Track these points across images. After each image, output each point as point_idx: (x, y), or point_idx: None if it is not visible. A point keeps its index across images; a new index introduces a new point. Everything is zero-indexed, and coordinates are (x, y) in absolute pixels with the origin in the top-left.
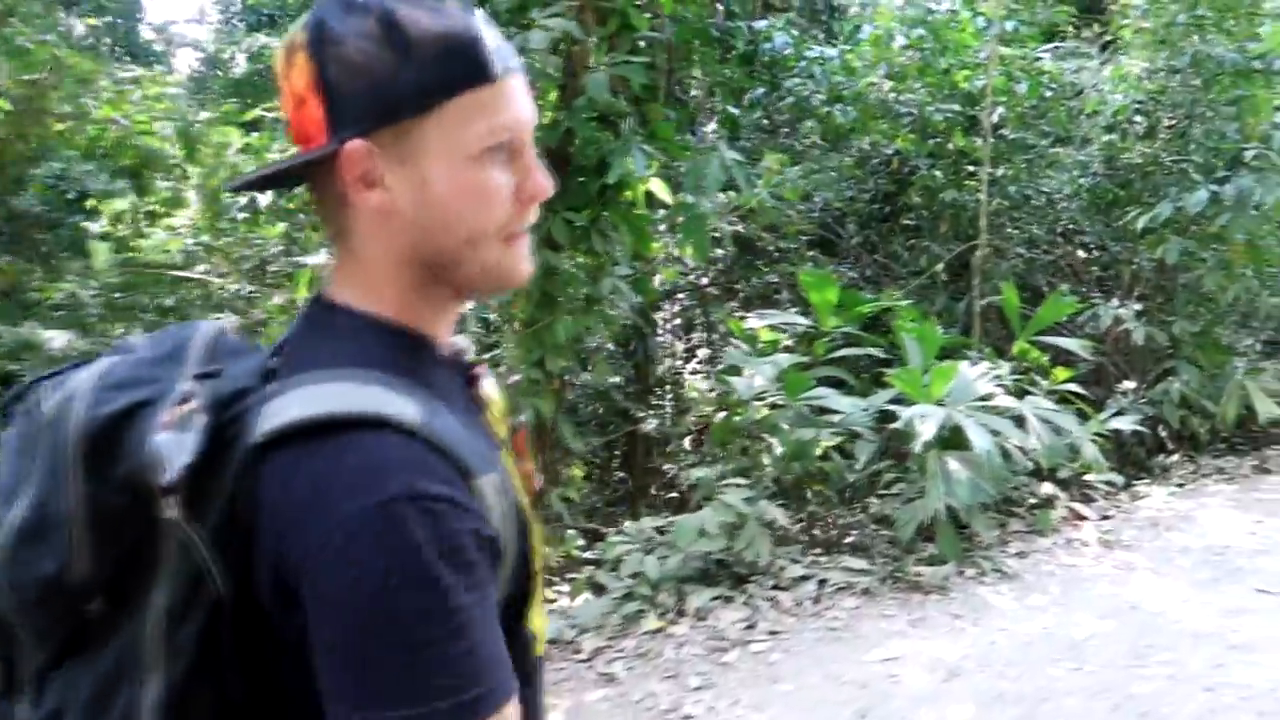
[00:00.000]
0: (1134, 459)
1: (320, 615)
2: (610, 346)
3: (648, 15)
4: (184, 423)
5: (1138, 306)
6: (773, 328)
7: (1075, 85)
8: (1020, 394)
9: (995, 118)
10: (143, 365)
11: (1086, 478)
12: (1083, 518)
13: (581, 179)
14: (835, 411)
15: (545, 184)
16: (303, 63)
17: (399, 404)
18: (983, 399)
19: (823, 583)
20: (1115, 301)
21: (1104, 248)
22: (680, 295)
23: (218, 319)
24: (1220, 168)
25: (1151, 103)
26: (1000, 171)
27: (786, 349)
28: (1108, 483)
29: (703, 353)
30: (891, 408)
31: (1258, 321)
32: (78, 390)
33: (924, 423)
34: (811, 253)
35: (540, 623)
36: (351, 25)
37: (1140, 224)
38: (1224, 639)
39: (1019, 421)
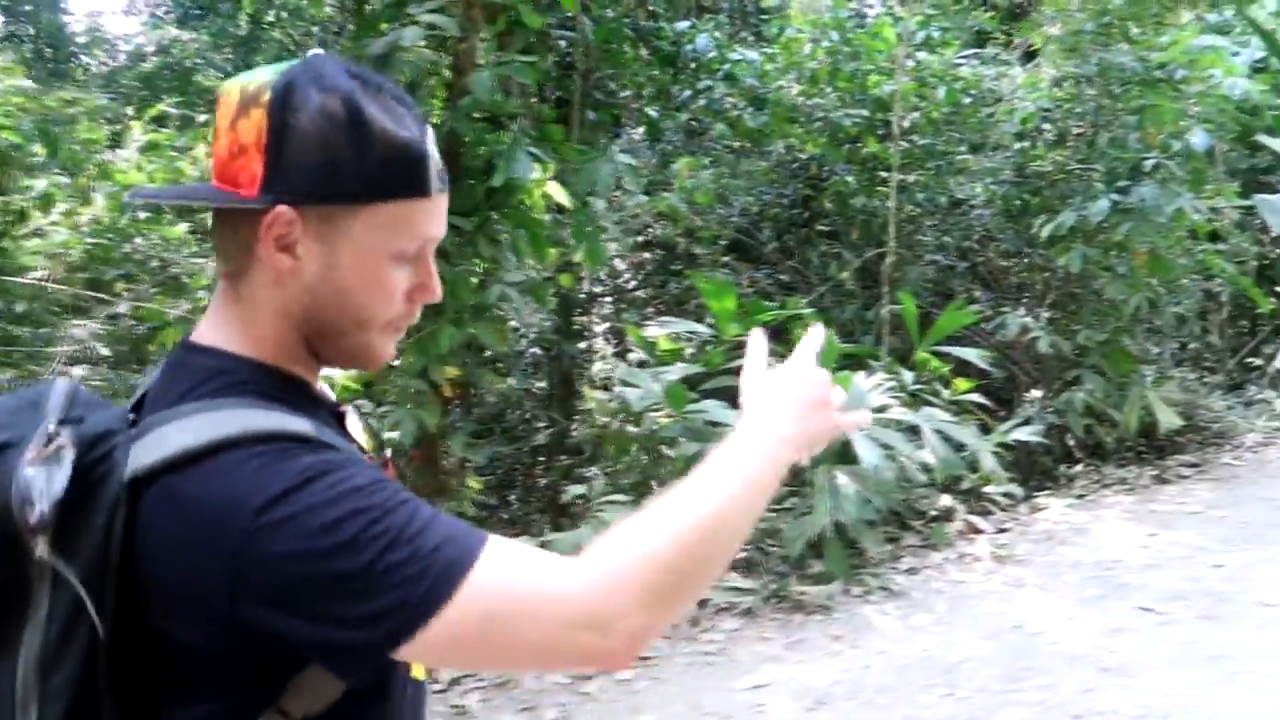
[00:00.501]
0: (1041, 468)
1: (294, 572)
2: (538, 352)
3: (554, 14)
4: (51, 459)
5: (1049, 314)
6: (673, 336)
7: (995, 92)
8: (919, 405)
9: (907, 123)
10: (8, 410)
11: (986, 490)
12: (979, 531)
13: (471, 182)
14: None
15: (437, 290)
16: (258, 119)
17: (291, 422)
18: (877, 411)
19: (704, 603)
20: (1022, 310)
21: (1019, 255)
22: (608, 300)
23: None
24: (1124, 177)
25: (1059, 111)
26: (913, 178)
27: (696, 357)
28: (1006, 495)
29: (612, 361)
30: None
31: (1166, 330)
32: None
33: None
34: (727, 258)
35: None
36: (318, 101)
37: (1045, 232)
38: (1099, 661)
39: (913, 434)
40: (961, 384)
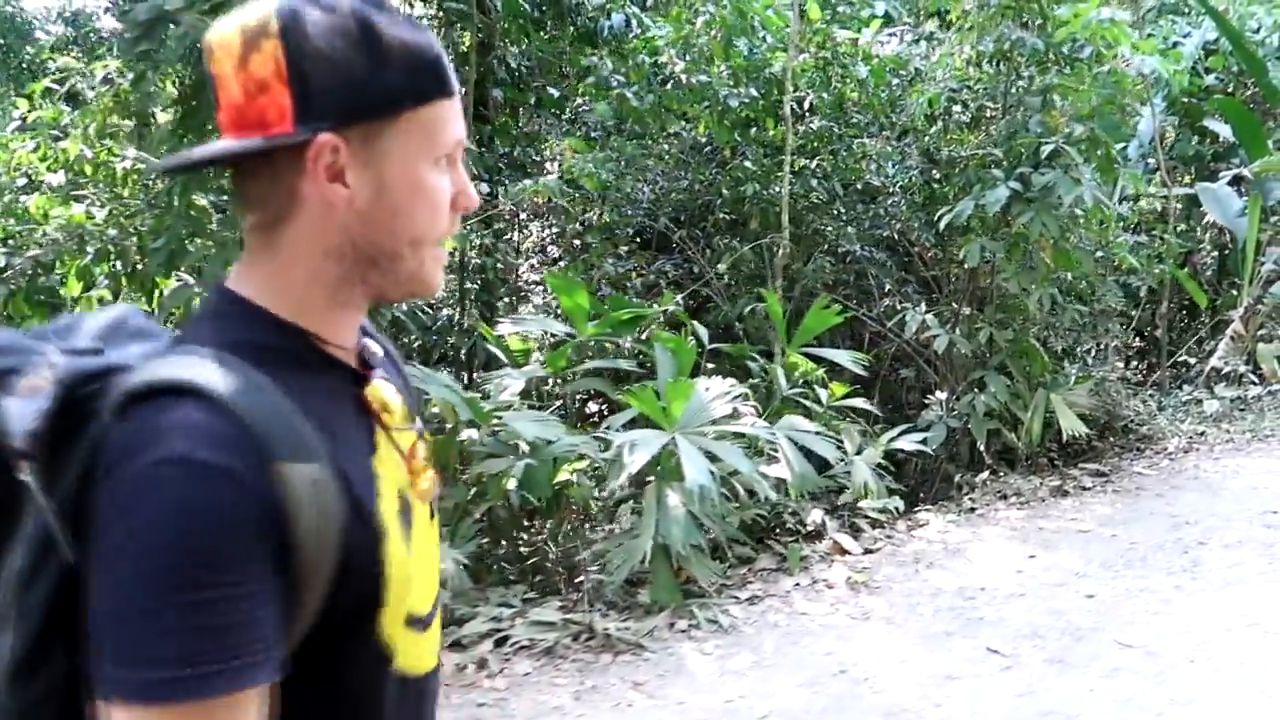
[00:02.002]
0: (944, 475)
1: (93, 564)
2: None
3: None
4: (34, 392)
5: (967, 310)
6: (523, 337)
7: (924, 72)
8: (792, 412)
9: (807, 105)
10: (21, 337)
11: (863, 505)
12: (846, 552)
13: None
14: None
15: (475, 197)
16: (272, 49)
17: (216, 378)
18: (724, 420)
19: (502, 640)
20: (923, 306)
21: (931, 247)
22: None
23: None
24: (1025, 163)
25: (968, 91)
26: (814, 163)
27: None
28: (883, 510)
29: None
30: (627, 435)
31: (1085, 327)
32: None
33: (635, 452)
34: (626, 248)
35: (412, 640)
36: (327, 21)
37: (943, 223)
38: (919, 716)
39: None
40: (838, 388)
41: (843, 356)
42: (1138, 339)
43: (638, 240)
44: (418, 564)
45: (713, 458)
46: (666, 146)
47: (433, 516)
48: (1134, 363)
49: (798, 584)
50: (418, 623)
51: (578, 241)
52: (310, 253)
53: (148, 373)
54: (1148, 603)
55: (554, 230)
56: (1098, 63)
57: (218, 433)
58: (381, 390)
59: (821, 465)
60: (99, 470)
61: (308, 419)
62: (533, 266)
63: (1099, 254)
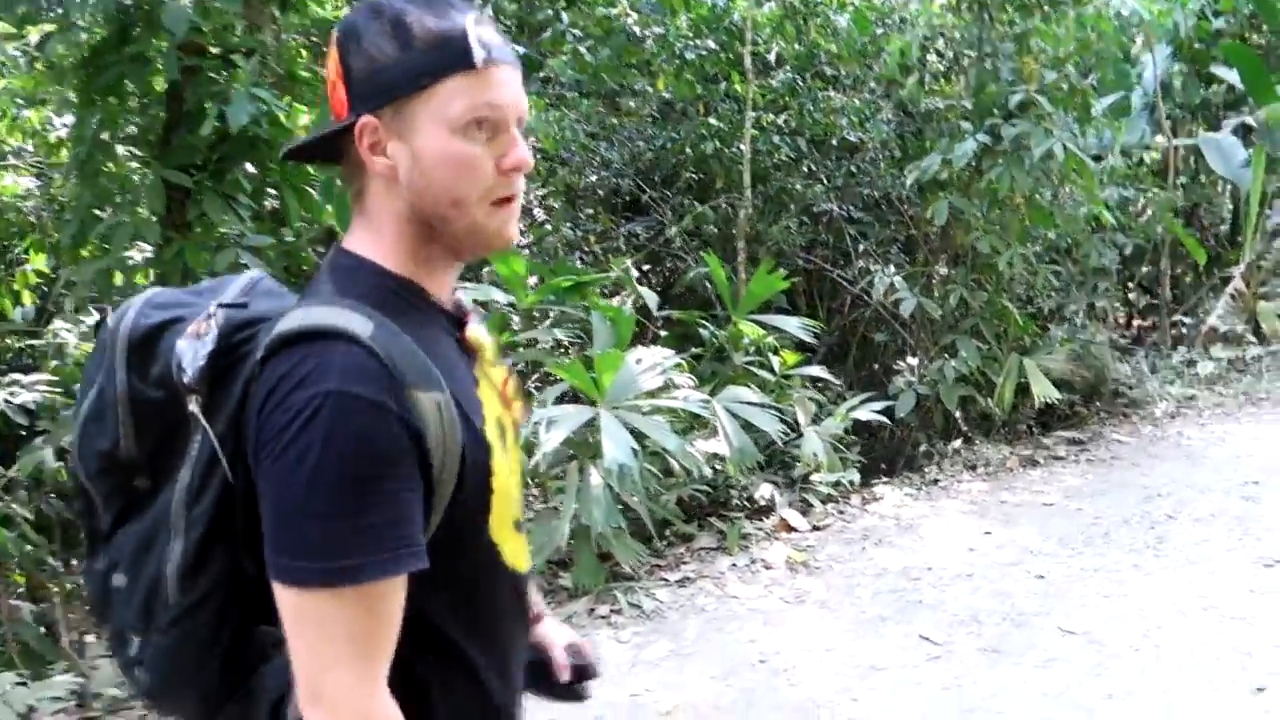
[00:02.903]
0: (915, 443)
1: (265, 478)
2: None
3: None
4: (200, 336)
5: (943, 271)
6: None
7: (906, 19)
8: (742, 382)
9: (774, 57)
10: (183, 294)
11: (816, 478)
12: (793, 529)
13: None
14: None
15: (523, 157)
16: (334, 55)
17: (355, 321)
18: (657, 394)
19: None
20: (892, 268)
21: (913, 205)
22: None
23: None
24: (998, 114)
25: (943, 40)
26: (782, 119)
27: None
28: (837, 484)
29: None
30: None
31: (1070, 287)
32: (129, 308)
33: (552, 429)
34: (589, 211)
35: (512, 540)
36: (372, 25)
37: (910, 179)
38: (833, 713)
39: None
40: (789, 356)
41: (791, 323)
42: (1147, 298)
43: (616, 202)
44: (513, 479)
45: (640, 435)
46: (633, 104)
47: (517, 440)
48: (1135, 323)
49: (734, 564)
50: (518, 525)
51: (539, 209)
52: (389, 217)
53: (298, 319)
54: (1101, 584)
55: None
56: (1078, 5)
57: (363, 369)
58: (478, 332)
59: (773, 438)
60: (257, 401)
61: (427, 353)
62: None
63: (1083, 209)
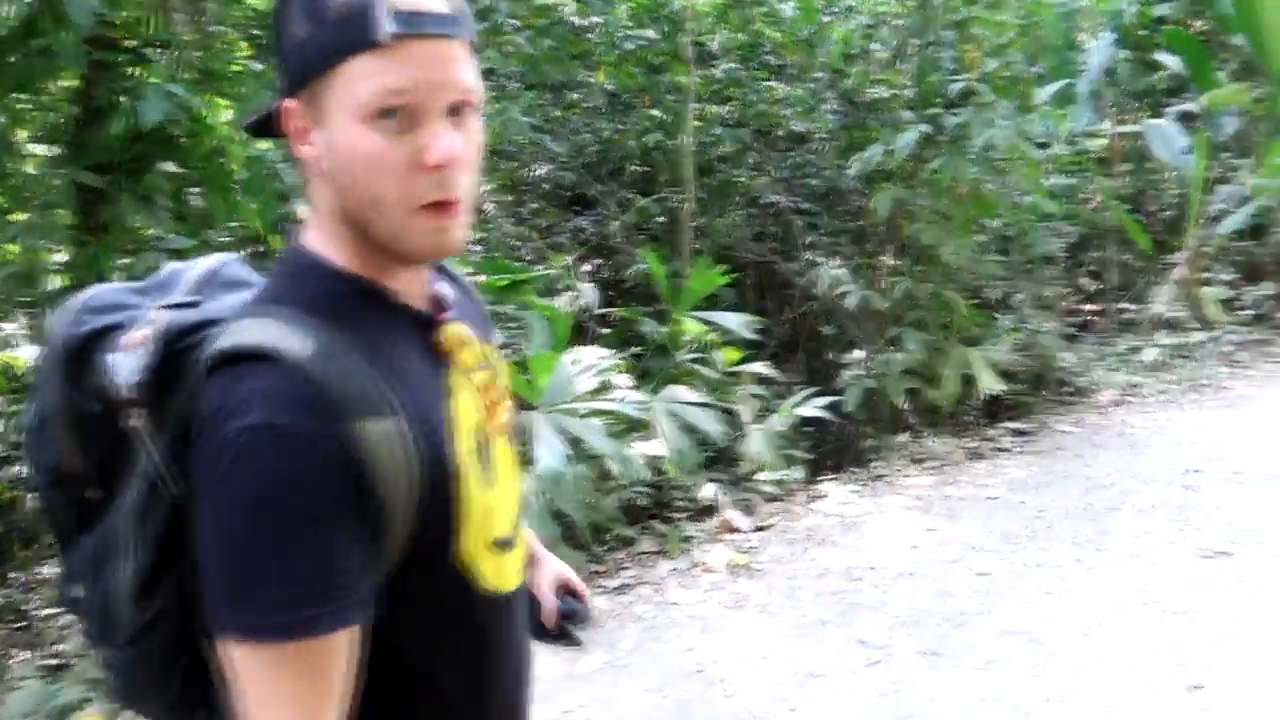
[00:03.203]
0: (864, 436)
1: (199, 516)
2: None
3: None
4: (134, 347)
5: (891, 263)
6: None
7: (854, 7)
8: (685, 381)
9: (716, 46)
10: (126, 293)
11: (760, 477)
12: (736, 530)
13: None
14: None
15: (446, 151)
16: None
17: (292, 340)
18: (593, 395)
19: None
20: (837, 260)
21: (862, 196)
22: None
23: None
24: (940, 103)
25: (884, 27)
26: (726, 109)
27: None
28: (781, 482)
29: None
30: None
31: (1017, 276)
32: (65, 312)
33: None
34: (537, 205)
35: (491, 560)
36: (295, 3)
37: (853, 170)
38: None
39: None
40: (731, 354)
41: (731, 320)
42: (1098, 284)
43: (563, 196)
44: (498, 494)
45: (576, 439)
46: (576, 96)
47: (512, 444)
48: (1087, 308)
49: (675, 569)
50: (501, 545)
51: (490, 204)
52: (326, 212)
53: (231, 337)
54: (1043, 580)
55: None
56: None
57: (295, 398)
58: (456, 332)
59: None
60: (195, 426)
61: (380, 371)
62: None
63: (1028, 198)
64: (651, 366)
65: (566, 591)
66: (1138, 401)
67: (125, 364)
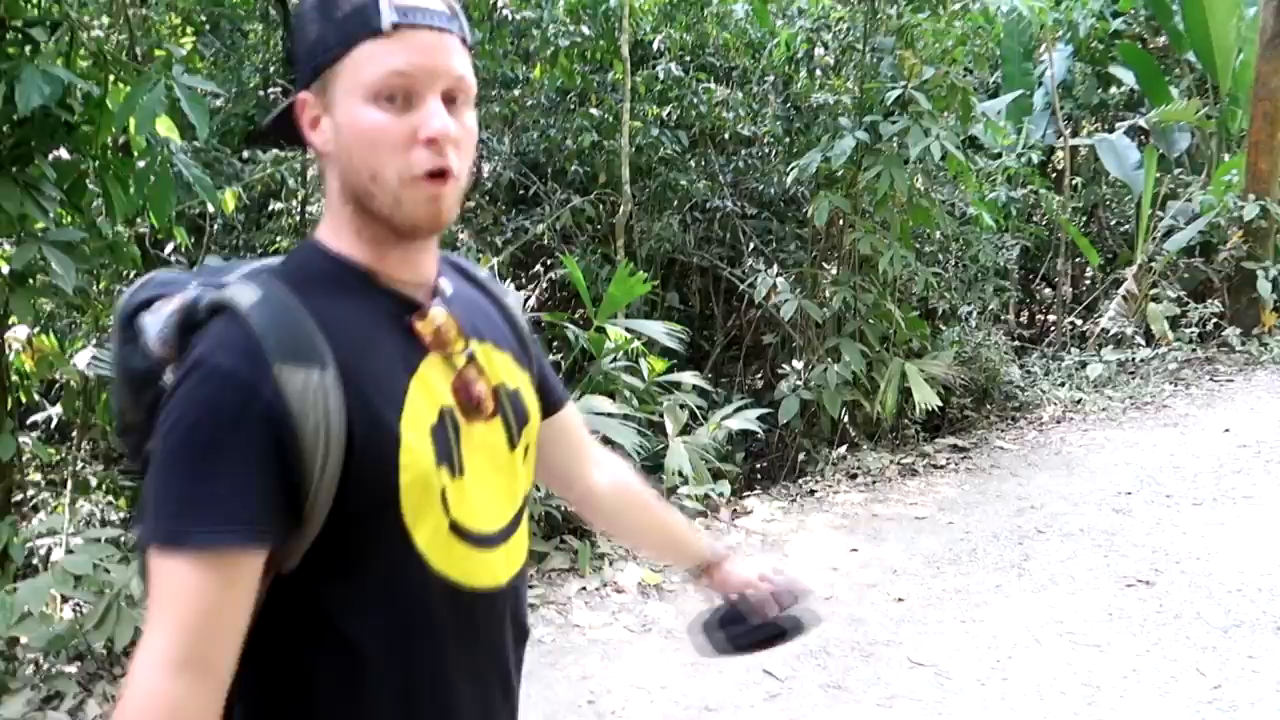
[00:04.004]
0: (801, 449)
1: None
2: None
3: None
4: (164, 311)
5: (834, 272)
6: None
7: (805, 9)
8: (595, 390)
9: (656, 46)
10: (180, 274)
11: (682, 492)
12: None
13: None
14: None
15: (441, 127)
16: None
17: (243, 293)
18: None
19: None
20: (775, 269)
21: (806, 203)
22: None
23: None
24: (878, 110)
25: (826, 31)
26: (666, 111)
27: None
28: (705, 497)
29: None
30: None
31: (959, 288)
32: (130, 289)
33: None
34: (472, 204)
35: (455, 550)
36: (307, 1)
37: (790, 178)
38: None
39: None
40: (657, 363)
41: (654, 328)
42: (1053, 294)
43: (505, 195)
44: (470, 483)
45: None
46: (517, 93)
47: (513, 447)
48: (1040, 319)
49: (584, 588)
50: (472, 538)
51: None
52: (334, 196)
53: (209, 295)
54: (960, 607)
55: None
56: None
57: (231, 340)
58: (435, 317)
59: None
60: None
61: (331, 332)
62: None
63: (970, 210)
64: (578, 375)
65: (768, 579)
66: (1079, 418)
67: (153, 324)
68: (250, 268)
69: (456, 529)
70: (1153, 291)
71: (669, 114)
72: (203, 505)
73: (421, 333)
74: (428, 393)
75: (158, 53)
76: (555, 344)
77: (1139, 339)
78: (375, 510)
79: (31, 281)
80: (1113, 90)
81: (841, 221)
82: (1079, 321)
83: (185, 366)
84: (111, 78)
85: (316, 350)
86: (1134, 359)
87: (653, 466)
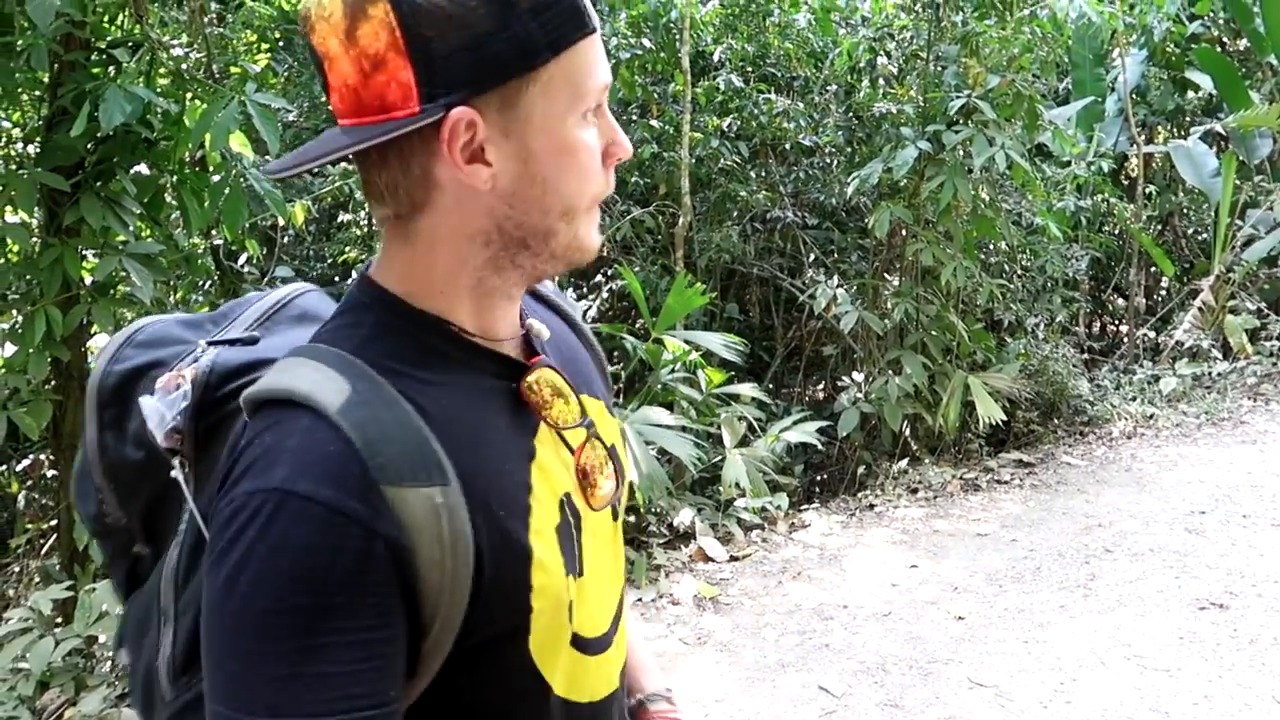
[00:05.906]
0: (862, 462)
1: (203, 583)
2: None
3: None
4: (172, 390)
5: (896, 283)
6: None
7: (869, 18)
8: (653, 401)
9: (717, 58)
10: (176, 326)
11: (740, 504)
12: (710, 559)
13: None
14: None
15: (627, 145)
16: (382, 15)
17: (326, 387)
18: None
19: None
20: (836, 279)
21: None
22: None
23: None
24: (941, 120)
25: (889, 40)
26: (726, 122)
27: None
28: (763, 510)
29: None
30: None
31: (1026, 299)
32: (107, 346)
33: None
34: None
35: (569, 664)
36: None
37: (850, 189)
38: None
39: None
40: (715, 375)
41: (713, 340)
42: (1126, 305)
43: None
44: (589, 582)
45: None
46: None
47: (616, 518)
48: (1112, 329)
49: (640, 599)
50: (589, 646)
51: None
52: (452, 241)
53: (265, 381)
54: (1023, 627)
55: None
56: (1023, 5)
57: (324, 457)
58: (548, 379)
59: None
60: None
61: (441, 428)
62: None
63: (1037, 220)
64: (636, 386)
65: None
66: (1151, 434)
67: (157, 411)
68: (298, 338)
69: (577, 641)
70: (1231, 303)
71: (729, 125)
72: (315, 688)
73: (534, 402)
74: (548, 482)
75: (233, 70)
76: (614, 355)
77: (1215, 352)
78: (502, 640)
79: (112, 292)
80: (1189, 95)
81: (904, 232)
82: (1153, 334)
83: (249, 491)
84: (189, 95)
85: (433, 460)
86: (1210, 373)
87: (710, 479)
